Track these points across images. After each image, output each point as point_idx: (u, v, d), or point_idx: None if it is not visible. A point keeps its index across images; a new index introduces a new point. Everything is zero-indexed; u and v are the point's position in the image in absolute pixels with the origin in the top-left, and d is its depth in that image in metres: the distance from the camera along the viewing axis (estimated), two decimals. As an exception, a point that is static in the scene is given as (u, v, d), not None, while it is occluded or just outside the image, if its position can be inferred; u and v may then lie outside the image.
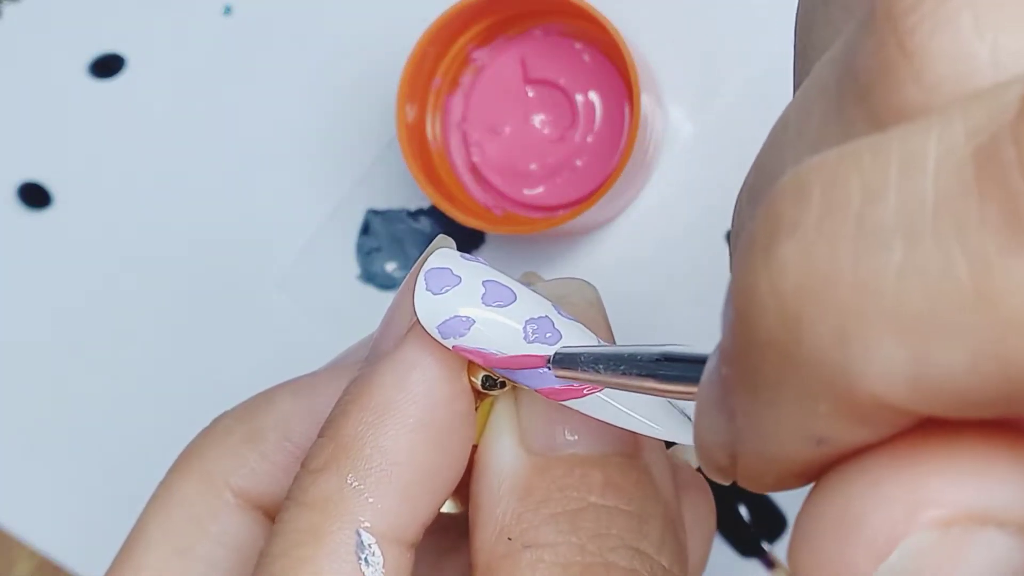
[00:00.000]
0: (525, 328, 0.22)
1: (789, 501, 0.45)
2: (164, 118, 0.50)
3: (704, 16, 0.46)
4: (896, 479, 0.13)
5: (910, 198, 0.12)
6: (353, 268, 0.48)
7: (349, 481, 0.22)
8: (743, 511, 0.45)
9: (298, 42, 0.50)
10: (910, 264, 0.12)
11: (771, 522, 0.44)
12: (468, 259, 0.23)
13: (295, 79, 0.50)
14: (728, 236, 0.45)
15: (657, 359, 0.19)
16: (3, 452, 0.51)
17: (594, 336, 0.23)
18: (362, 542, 0.22)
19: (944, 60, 0.13)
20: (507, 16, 0.44)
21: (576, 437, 0.23)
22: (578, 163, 0.44)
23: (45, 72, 0.51)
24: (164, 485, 0.27)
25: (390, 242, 0.48)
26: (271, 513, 0.26)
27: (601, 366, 0.20)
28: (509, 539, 0.22)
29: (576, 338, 0.22)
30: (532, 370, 0.22)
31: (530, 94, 0.45)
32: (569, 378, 0.22)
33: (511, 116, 0.45)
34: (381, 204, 0.48)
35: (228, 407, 0.30)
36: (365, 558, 0.22)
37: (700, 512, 0.25)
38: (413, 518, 0.22)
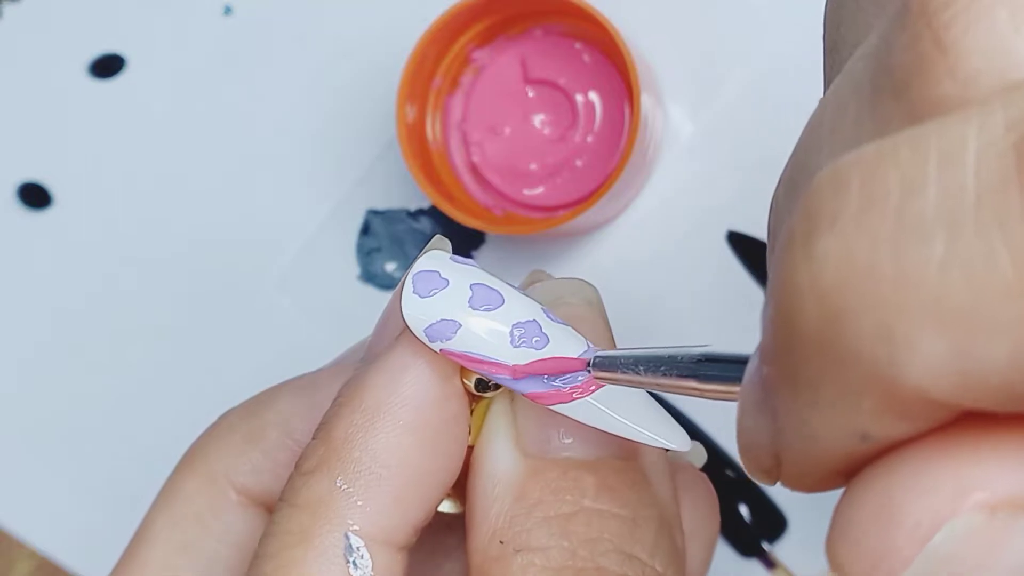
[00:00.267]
0: (512, 332, 0.22)
1: (789, 501, 0.45)
2: (164, 118, 0.50)
3: (704, 16, 0.46)
4: (941, 466, 0.13)
5: (950, 190, 0.12)
6: (353, 268, 0.48)
7: (339, 484, 0.22)
8: (743, 511, 0.45)
9: (298, 42, 0.50)
10: (952, 257, 0.12)
11: (771, 522, 0.44)
12: (459, 261, 0.23)
13: (295, 79, 0.50)
14: (729, 236, 0.45)
15: (698, 360, 0.19)
16: (3, 452, 0.51)
17: (584, 340, 0.22)
18: (351, 545, 0.22)
19: (980, 54, 0.13)
20: (507, 16, 0.44)
21: (571, 440, 0.23)
22: (578, 163, 0.44)
23: (45, 72, 0.51)
24: (169, 482, 0.27)
25: (390, 242, 0.48)
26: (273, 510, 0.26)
27: (641, 367, 0.20)
28: (501, 542, 0.22)
29: (564, 342, 0.22)
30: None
31: (530, 94, 0.45)
32: (608, 380, 0.22)
33: (511, 116, 0.45)
34: (381, 204, 0.48)
35: (228, 407, 0.30)
36: (353, 561, 0.22)
37: (701, 513, 0.25)
38: (403, 521, 0.22)
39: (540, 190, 0.45)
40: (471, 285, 0.22)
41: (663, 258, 0.46)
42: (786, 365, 0.14)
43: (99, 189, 0.51)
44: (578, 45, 0.45)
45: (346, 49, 0.49)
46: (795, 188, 0.15)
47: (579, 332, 0.23)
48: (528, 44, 0.45)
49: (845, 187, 0.13)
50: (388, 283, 0.48)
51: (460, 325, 0.22)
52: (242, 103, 0.50)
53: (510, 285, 0.23)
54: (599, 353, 0.22)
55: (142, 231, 0.50)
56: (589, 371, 0.22)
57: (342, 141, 0.49)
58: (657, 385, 0.20)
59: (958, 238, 0.12)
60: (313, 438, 0.23)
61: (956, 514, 0.12)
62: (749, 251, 0.45)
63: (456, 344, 0.22)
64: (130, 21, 0.51)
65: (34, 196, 0.51)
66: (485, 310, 0.22)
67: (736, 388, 0.16)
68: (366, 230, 0.48)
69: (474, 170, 0.46)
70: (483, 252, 0.48)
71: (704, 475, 0.26)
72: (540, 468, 0.22)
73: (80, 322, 0.50)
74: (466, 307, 0.22)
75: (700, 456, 0.27)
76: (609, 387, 0.22)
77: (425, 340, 0.22)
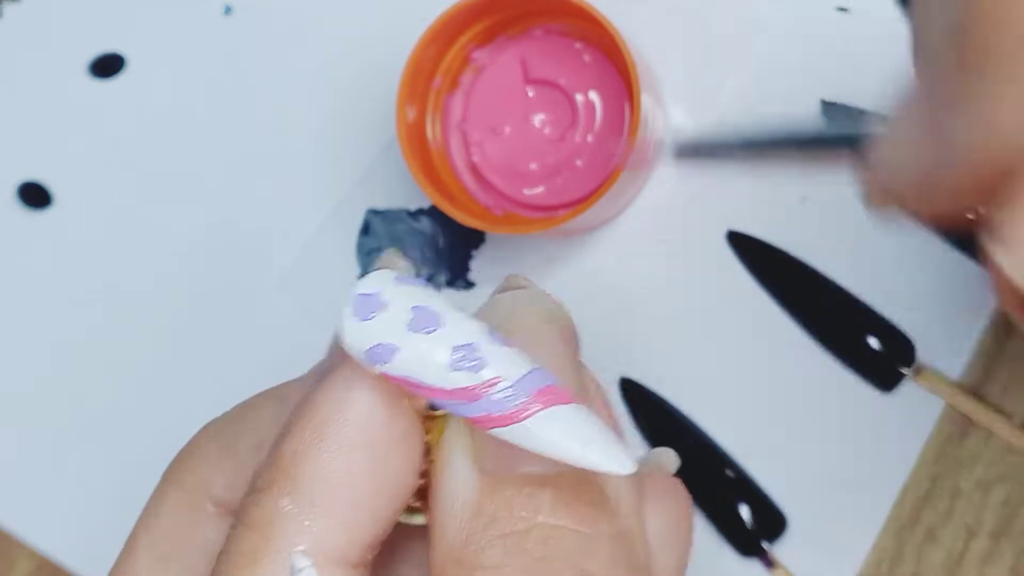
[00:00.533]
0: (450, 356, 0.21)
1: (789, 501, 0.45)
2: (164, 118, 0.50)
3: (704, 16, 0.46)
4: None
5: None
6: (353, 268, 0.49)
7: (285, 504, 0.22)
8: (743, 511, 0.45)
9: (298, 42, 0.50)
10: None
11: (771, 522, 0.44)
12: (404, 281, 0.22)
13: (295, 79, 0.50)
14: (729, 236, 0.45)
15: (800, 123, 0.18)
16: (3, 452, 0.51)
17: (527, 362, 0.22)
18: (295, 566, 0.22)
19: None
20: (507, 16, 0.45)
21: (527, 455, 0.22)
22: (578, 163, 0.44)
23: (45, 72, 0.51)
24: (153, 494, 0.27)
25: (390, 242, 0.48)
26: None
27: (736, 142, 0.19)
28: (459, 560, 0.22)
29: (504, 364, 0.22)
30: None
31: (530, 94, 0.45)
32: (695, 162, 0.21)
33: (511, 116, 0.45)
34: (381, 204, 0.48)
35: (228, 407, 0.30)
36: None
37: (671, 519, 0.25)
38: (350, 539, 0.22)
39: (540, 190, 0.45)
40: (412, 307, 0.22)
41: (663, 257, 0.46)
42: (977, 47, 0.14)
43: (99, 189, 0.51)
44: (578, 45, 0.45)
45: (346, 49, 0.49)
46: None
47: (528, 352, 0.22)
48: (528, 44, 0.45)
49: None
50: (388, 283, 0.48)
51: (398, 349, 0.21)
52: (242, 103, 0.50)
53: (455, 307, 0.22)
54: (681, 138, 0.21)
55: (142, 231, 0.50)
56: (673, 155, 0.20)
57: (342, 141, 0.49)
58: (754, 158, 0.19)
59: None
60: (266, 456, 0.23)
61: None
62: (749, 251, 0.45)
63: (393, 368, 0.22)
64: (130, 21, 0.51)
65: (34, 196, 0.51)
66: (423, 333, 0.22)
67: (841, 153, 0.16)
68: (366, 230, 0.48)
69: (474, 170, 0.46)
70: (483, 252, 0.48)
71: (677, 481, 0.26)
72: (497, 485, 0.22)
73: (80, 322, 0.50)
74: (404, 331, 0.22)
75: (672, 462, 0.27)
76: (551, 410, 0.22)
77: (365, 363, 0.22)
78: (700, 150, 0.20)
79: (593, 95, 0.45)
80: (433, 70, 0.45)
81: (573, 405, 0.22)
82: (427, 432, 0.23)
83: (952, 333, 0.44)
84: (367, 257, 0.48)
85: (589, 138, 0.44)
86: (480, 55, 0.45)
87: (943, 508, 0.44)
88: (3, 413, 0.51)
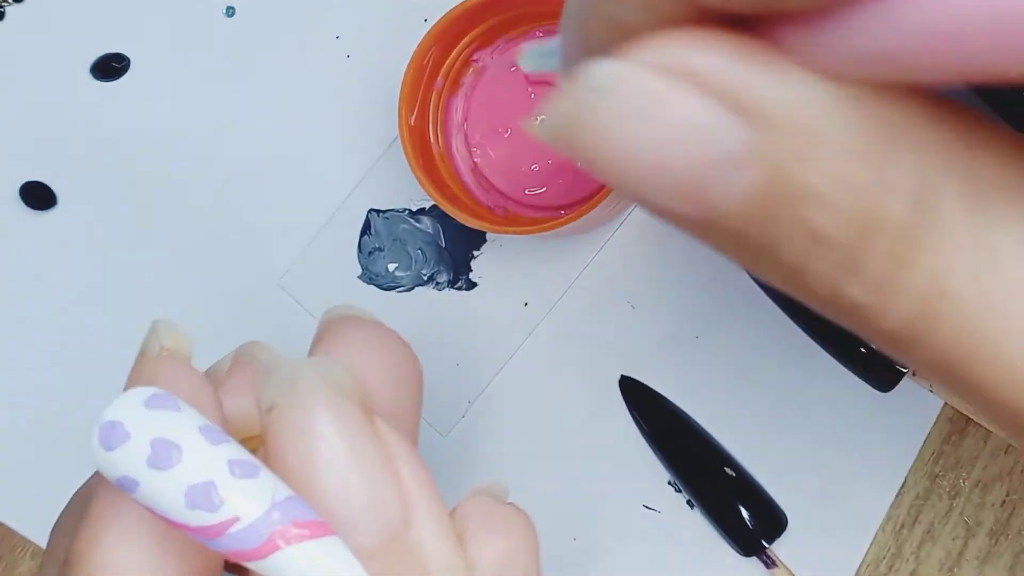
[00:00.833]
0: (185, 495, 0.21)
1: (789, 501, 0.45)
2: (167, 119, 0.51)
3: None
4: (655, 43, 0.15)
5: None
6: (354, 268, 0.49)
7: None
8: (743, 511, 0.45)
9: (301, 43, 0.50)
10: None
11: (771, 522, 0.45)
12: (153, 406, 0.22)
13: (298, 80, 0.50)
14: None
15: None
16: (6, 452, 0.51)
17: (275, 491, 0.21)
18: None
19: None
20: (508, 18, 0.45)
21: None
22: (579, 164, 0.45)
23: (48, 73, 0.52)
24: (41, 562, 0.28)
25: (391, 242, 0.48)
26: None
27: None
28: None
29: (246, 501, 0.21)
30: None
31: (532, 95, 0.45)
32: (543, 70, 0.22)
33: (512, 117, 0.45)
34: (383, 204, 0.49)
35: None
36: None
37: (506, 550, 0.25)
38: None
39: (542, 190, 0.45)
40: (151, 441, 0.21)
41: (663, 258, 0.46)
42: None
43: (102, 189, 0.51)
44: (579, 46, 0.45)
45: (348, 50, 0.49)
46: None
47: (299, 446, 0.22)
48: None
49: None
50: (390, 283, 0.48)
51: (138, 483, 0.21)
52: (244, 104, 0.50)
53: (201, 433, 0.22)
54: (532, 46, 0.22)
55: (144, 231, 0.50)
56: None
57: (344, 141, 0.49)
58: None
59: None
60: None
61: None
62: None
63: (139, 498, 0.21)
64: (133, 22, 0.51)
65: (38, 196, 0.51)
66: (160, 470, 0.21)
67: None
68: (368, 230, 0.49)
69: (476, 170, 0.46)
70: (484, 252, 0.48)
71: (513, 508, 0.26)
72: None
73: (82, 322, 0.51)
74: (144, 465, 0.21)
75: (504, 491, 0.27)
76: (298, 547, 0.21)
77: (119, 488, 0.22)
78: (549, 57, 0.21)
79: (594, 96, 0.45)
80: (435, 71, 0.45)
81: (321, 540, 0.21)
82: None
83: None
84: (368, 257, 0.49)
85: (590, 139, 0.45)
86: (482, 56, 0.46)
87: (942, 507, 0.44)
88: (5, 413, 0.51)
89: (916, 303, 0.15)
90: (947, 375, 0.15)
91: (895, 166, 0.14)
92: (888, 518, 0.44)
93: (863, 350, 0.44)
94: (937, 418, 0.44)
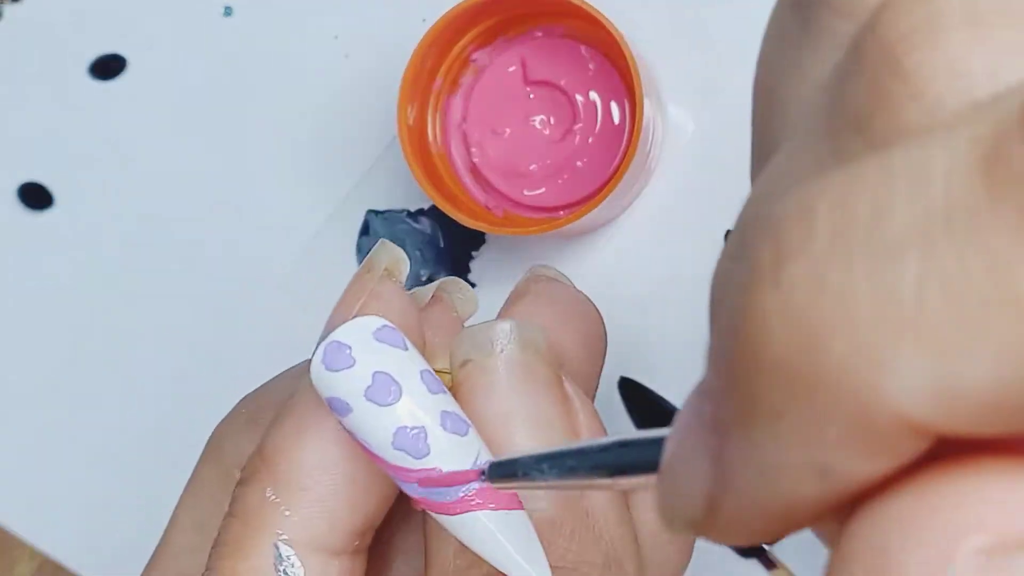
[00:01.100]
0: (394, 434, 0.21)
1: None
2: (165, 119, 0.50)
3: (704, 15, 0.46)
4: (930, 509, 0.12)
5: (920, 207, 0.12)
6: (353, 268, 0.48)
7: (268, 494, 0.23)
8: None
9: (299, 43, 0.50)
10: (926, 271, 0.12)
11: (771, 522, 0.45)
12: (380, 339, 0.22)
13: (296, 80, 0.50)
14: (728, 234, 0.45)
15: (608, 446, 0.18)
16: (5, 452, 0.51)
17: (477, 450, 0.22)
18: (280, 554, 0.22)
19: (942, 78, 0.13)
20: (507, 17, 0.45)
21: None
22: (579, 164, 0.44)
23: (46, 73, 0.51)
24: (196, 466, 0.28)
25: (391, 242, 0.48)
26: None
27: (546, 465, 0.19)
28: None
29: (447, 456, 0.21)
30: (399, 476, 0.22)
31: (531, 95, 0.45)
32: (509, 487, 0.21)
33: (512, 117, 0.45)
34: (381, 204, 0.48)
35: (228, 406, 0.30)
36: (284, 570, 0.22)
37: None
38: (332, 528, 0.22)
39: (541, 191, 0.45)
40: (374, 373, 0.22)
41: (664, 258, 0.46)
42: (744, 397, 0.13)
43: (100, 190, 0.51)
44: (578, 46, 0.45)
45: (347, 50, 0.49)
46: (746, 248, 0.14)
47: (492, 415, 0.23)
48: (528, 45, 0.45)
49: (813, 214, 0.12)
50: (389, 283, 0.48)
51: (351, 410, 0.22)
52: (243, 104, 0.50)
53: (422, 378, 0.22)
54: (495, 460, 0.21)
55: (143, 232, 0.50)
56: (483, 479, 0.21)
57: (343, 142, 0.49)
58: (567, 485, 0.19)
59: (931, 253, 0.12)
60: (255, 449, 0.24)
61: (952, 564, 0.12)
62: (749, 251, 0.45)
63: (346, 423, 0.22)
64: (131, 22, 0.51)
65: (35, 197, 0.51)
66: (376, 404, 0.21)
67: (650, 477, 0.16)
68: (366, 230, 0.49)
69: (475, 171, 0.46)
70: (483, 253, 0.48)
71: None
72: None
73: (81, 323, 0.51)
74: (360, 396, 0.22)
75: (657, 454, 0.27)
76: (483, 513, 0.22)
77: (328, 406, 0.22)
78: (514, 471, 0.20)
79: (594, 95, 0.45)
80: (434, 71, 0.45)
81: (503, 512, 0.22)
82: None
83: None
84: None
85: (590, 139, 0.44)
86: (481, 56, 0.45)
87: (943, 508, 0.44)
88: (4, 413, 0.51)
89: None
90: None
91: None
92: (889, 519, 0.44)
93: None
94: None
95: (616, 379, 0.46)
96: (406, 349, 0.22)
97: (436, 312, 0.25)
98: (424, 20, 0.47)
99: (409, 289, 0.26)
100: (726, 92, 0.46)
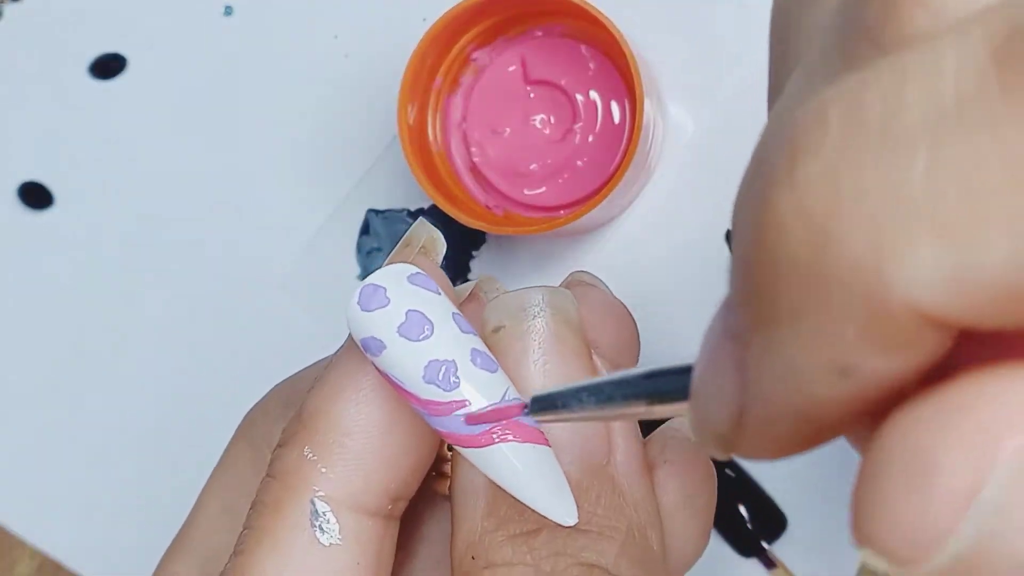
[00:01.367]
0: (425, 368, 0.22)
1: (789, 501, 0.45)
2: (165, 118, 0.50)
3: (703, 14, 0.46)
4: (965, 411, 0.12)
5: (932, 103, 0.12)
6: (353, 268, 0.49)
7: (306, 453, 0.23)
8: (743, 511, 0.45)
9: (299, 42, 0.50)
10: (940, 162, 0.12)
11: (771, 522, 0.45)
12: (414, 281, 0.23)
13: (296, 79, 0.50)
14: (729, 235, 0.45)
15: (645, 376, 0.19)
16: (5, 452, 0.51)
17: (504, 386, 0.23)
18: (316, 511, 0.23)
19: None
20: (507, 17, 0.45)
21: None
22: (579, 163, 0.44)
23: (46, 72, 0.51)
24: (225, 450, 0.29)
25: (390, 242, 0.48)
26: None
27: (585, 395, 0.20)
28: (473, 557, 0.23)
29: (477, 390, 0.22)
30: (432, 412, 0.22)
31: (531, 95, 0.45)
32: (551, 420, 0.22)
33: (512, 116, 0.45)
34: (382, 204, 0.48)
35: (229, 406, 0.30)
36: (320, 526, 0.23)
37: (688, 488, 0.25)
38: (367, 485, 0.23)
39: (541, 190, 0.45)
40: (407, 311, 0.22)
41: (664, 257, 0.46)
42: (763, 299, 0.13)
43: (100, 189, 0.51)
44: (579, 45, 0.45)
45: (347, 50, 0.49)
46: (764, 158, 0.14)
47: (522, 366, 0.23)
48: (528, 44, 0.45)
49: (825, 115, 0.13)
50: (389, 283, 0.48)
51: (385, 347, 0.22)
52: (243, 103, 0.50)
53: (454, 319, 0.23)
54: (537, 393, 0.21)
55: (143, 231, 0.50)
56: (526, 412, 0.22)
57: (343, 141, 0.49)
58: (605, 416, 0.19)
59: (944, 144, 0.12)
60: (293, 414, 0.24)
61: (995, 464, 0.12)
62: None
63: (380, 363, 0.23)
64: (131, 21, 0.51)
65: (35, 196, 0.51)
66: (409, 339, 0.22)
67: (684, 404, 0.16)
68: (366, 230, 0.49)
69: (475, 170, 0.46)
70: (483, 252, 0.48)
71: (697, 449, 0.26)
72: None
73: (81, 322, 0.51)
74: (394, 332, 0.22)
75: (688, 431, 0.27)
76: (511, 446, 0.22)
77: (362, 348, 0.23)
78: (555, 403, 0.21)
79: (594, 95, 0.45)
80: (434, 70, 0.45)
81: (532, 446, 0.22)
82: None
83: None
84: (367, 257, 0.48)
85: (590, 138, 0.44)
86: (481, 56, 0.45)
87: (943, 507, 0.44)
88: (4, 413, 0.51)
89: None
90: None
91: None
92: (889, 518, 0.44)
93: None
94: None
95: (616, 379, 0.46)
96: (438, 293, 0.23)
97: (472, 309, 0.26)
98: (424, 19, 0.47)
99: None
100: (726, 92, 0.46)
